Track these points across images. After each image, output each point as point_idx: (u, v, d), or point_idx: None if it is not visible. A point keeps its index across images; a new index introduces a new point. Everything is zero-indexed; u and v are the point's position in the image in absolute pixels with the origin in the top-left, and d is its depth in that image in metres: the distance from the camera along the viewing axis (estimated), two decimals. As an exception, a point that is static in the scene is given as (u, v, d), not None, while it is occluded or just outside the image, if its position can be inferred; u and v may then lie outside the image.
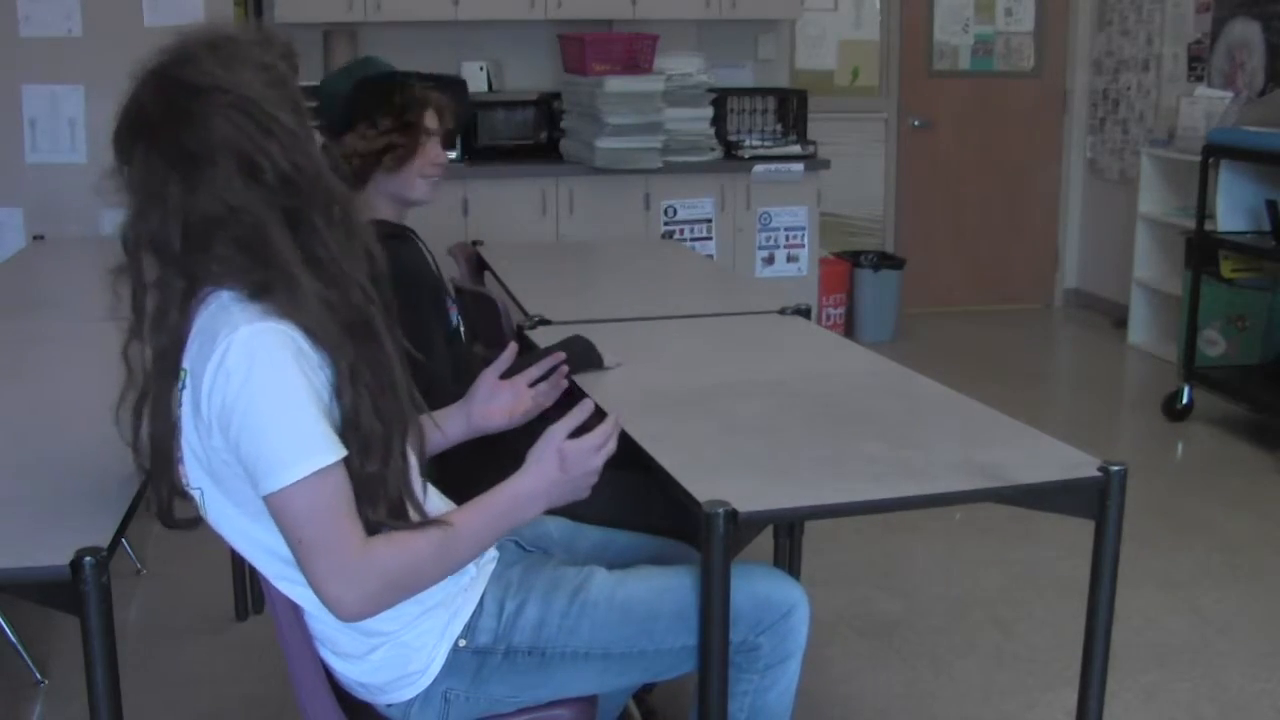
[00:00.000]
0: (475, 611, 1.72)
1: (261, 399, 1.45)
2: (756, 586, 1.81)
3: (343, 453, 1.47)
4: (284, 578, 1.60)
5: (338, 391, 1.50)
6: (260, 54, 1.54)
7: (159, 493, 1.59)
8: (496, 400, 2.00)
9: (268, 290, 1.48)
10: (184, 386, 1.53)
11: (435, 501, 1.74)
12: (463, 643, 1.70)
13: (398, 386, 1.56)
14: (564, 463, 1.64)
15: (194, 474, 1.57)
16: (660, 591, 1.80)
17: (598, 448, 1.67)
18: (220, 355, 1.46)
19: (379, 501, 1.52)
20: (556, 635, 1.74)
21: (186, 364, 1.52)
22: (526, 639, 1.73)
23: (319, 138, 1.60)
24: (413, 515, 1.57)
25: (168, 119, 1.48)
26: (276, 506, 1.46)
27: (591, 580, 1.79)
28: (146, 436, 1.56)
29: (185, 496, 1.60)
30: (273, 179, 1.48)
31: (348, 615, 1.50)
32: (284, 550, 1.53)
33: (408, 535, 1.52)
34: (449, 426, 1.97)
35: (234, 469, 1.51)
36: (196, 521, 1.61)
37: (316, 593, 1.49)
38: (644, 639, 1.77)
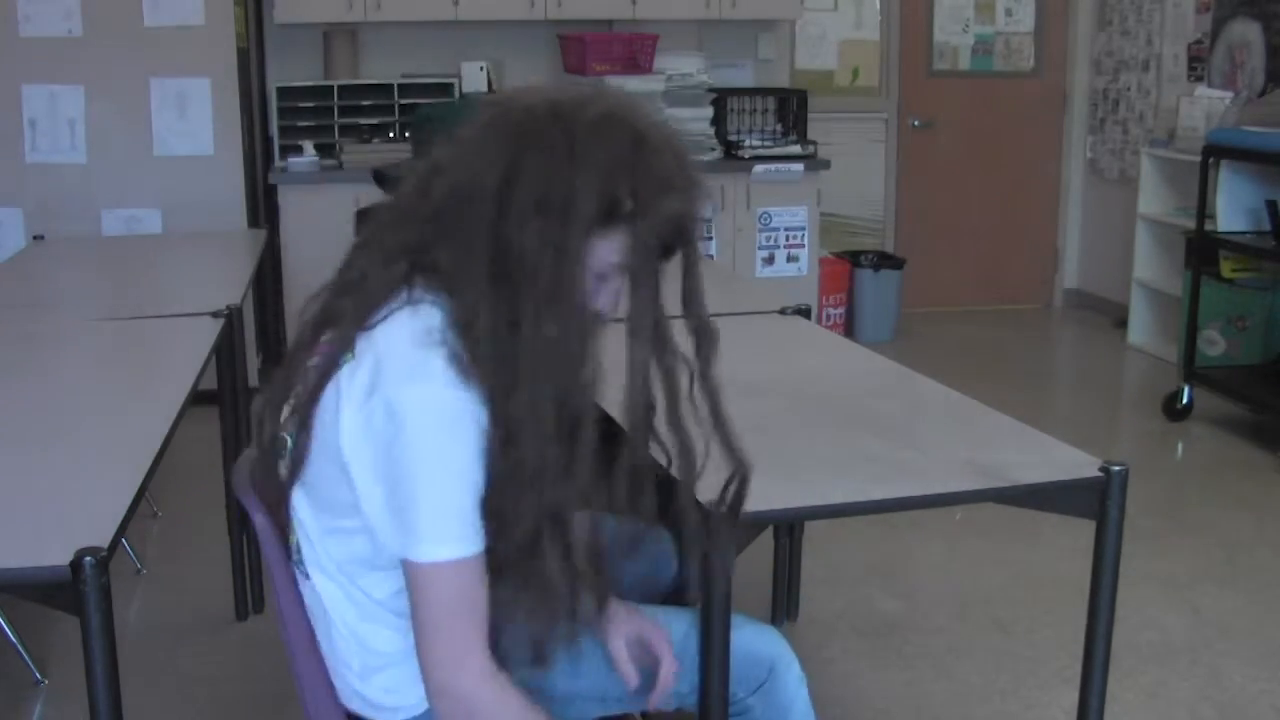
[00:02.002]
0: None
1: (442, 464, 1.41)
2: (737, 636, 1.75)
3: (481, 546, 1.44)
4: (319, 580, 1.60)
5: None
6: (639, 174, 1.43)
7: (268, 412, 1.57)
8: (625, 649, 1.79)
9: (462, 332, 1.43)
10: (343, 364, 1.47)
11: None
12: None
13: (538, 487, 1.47)
14: None
15: (296, 440, 1.54)
16: None
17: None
18: (397, 397, 1.41)
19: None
20: (555, 677, 1.68)
21: (366, 349, 1.46)
22: (523, 678, 1.64)
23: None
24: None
25: (517, 107, 1.45)
26: (415, 574, 1.45)
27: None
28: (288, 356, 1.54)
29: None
30: (508, 234, 1.41)
31: (443, 706, 1.49)
32: (331, 552, 1.56)
33: (531, 703, 1.51)
34: None
35: (336, 487, 1.48)
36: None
37: (421, 659, 1.47)
38: (640, 683, 1.73)
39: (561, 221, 1.40)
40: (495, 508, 1.45)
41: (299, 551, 1.63)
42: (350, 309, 1.49)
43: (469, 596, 1.45)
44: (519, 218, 1.40)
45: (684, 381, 1.53)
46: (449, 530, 1.43)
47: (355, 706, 1.71)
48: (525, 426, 1.43)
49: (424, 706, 1.65)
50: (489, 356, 1.43)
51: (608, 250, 1.45)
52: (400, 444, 1.42)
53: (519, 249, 1.41)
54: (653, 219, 1.43)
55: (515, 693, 1.51)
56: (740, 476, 1.59)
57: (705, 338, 1.55)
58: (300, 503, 1.58)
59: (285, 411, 1.56)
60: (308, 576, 1.63)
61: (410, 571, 1.46)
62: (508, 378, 1.43)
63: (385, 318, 1.47)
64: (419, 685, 1.63)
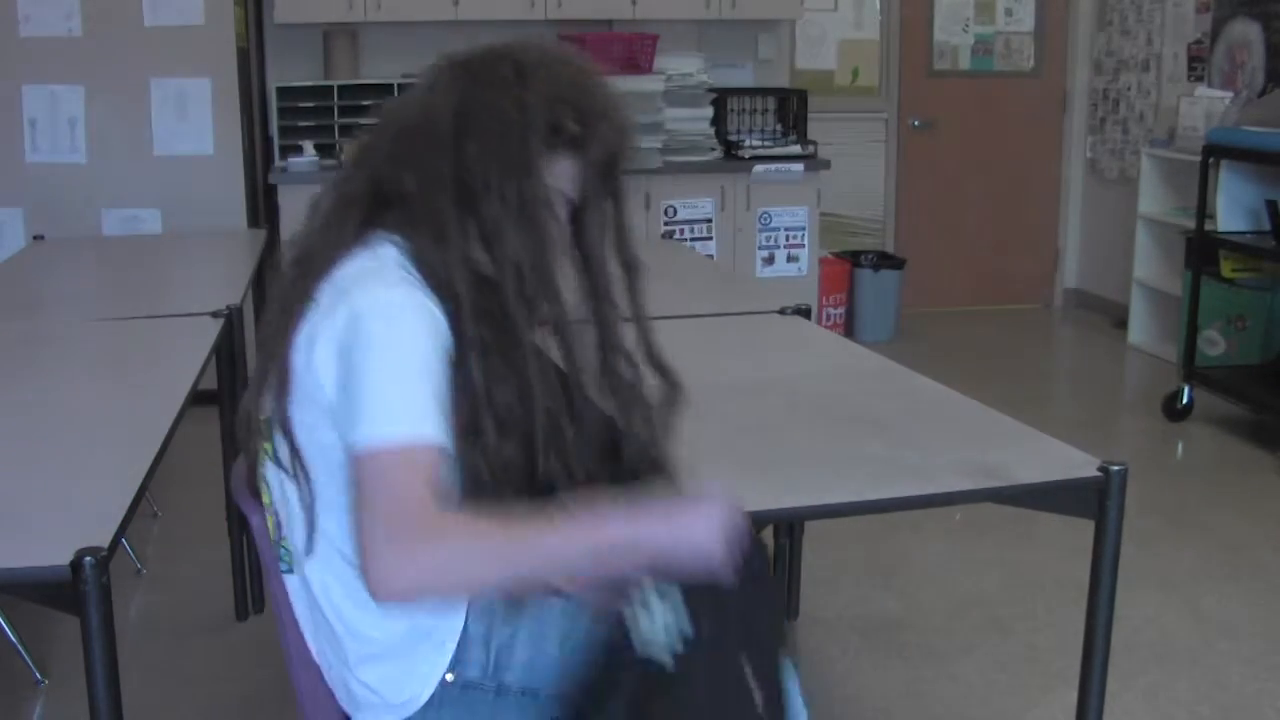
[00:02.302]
0: (461, 641, 1.64)
1: (393, 351, 1.41)
2: None
3: (445, 443, 1.40)
4: (309, 566, 1.59)
5: (458, 382, 1.46)
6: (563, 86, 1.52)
7: (250, 399, 1.58)
8: None
9: (431, 258, 1.48)
10: (308, 313, 1.50)
11: None
12: (450, 677, 1.63)
13: (532, 395, 1.49)
14: (679, 509, 1.43)
15: (282, 410, 1.54)
16: None
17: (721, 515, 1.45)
18: (355, 281, 1.45)
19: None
20: (551, 680, 1.65)
21: (326, 290, 1.49)
22: (518, 679, 1.64)
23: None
24: None
25: (467, 52, 1.55)
26: (361, 463, 1.38)
27: (580, 626, 1.68)
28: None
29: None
30: (470, 154, 1.48)
31: (385, 592, 1.34)
32: (322, 528, 1.54)
33: (476, 520, 1.37)
34: None
35: (324, 403, 1.47)
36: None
37: (366, 569, 1.36)
38: None
39: (521, 141, 1.48)
40: (468, 426, 1.46)
41: (286, 541, 1.62)
42: (310, 270, 1.52)
43: (420, 491, 1.35)
44: (480, 142, 1.48)
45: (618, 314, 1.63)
46: (399, 413, 1.38)
47: (347, 704, 1.70)
48: (505, 340, 1.47)
49: (422, 701, 1.64)
50: (463, 280, 1.47)
51: (556, 177, 1.52)
52: (358, 341, 1.42)
53: (483, 172, 1.48)
54: (598, 143, 1.52)
55: (469, 541, 1.35)
56: (676, 397, 1.68)
57: (634, 271, 1.62)
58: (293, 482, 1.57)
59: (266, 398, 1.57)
60: (290, 570, 1.63)
61: (356, 466, 1.38)
62: (486, 302, 1.48)
63: (342, 263, 1.51)
64: (414, 678, 1.63)
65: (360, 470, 1.38)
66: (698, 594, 1.40)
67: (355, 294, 1.45)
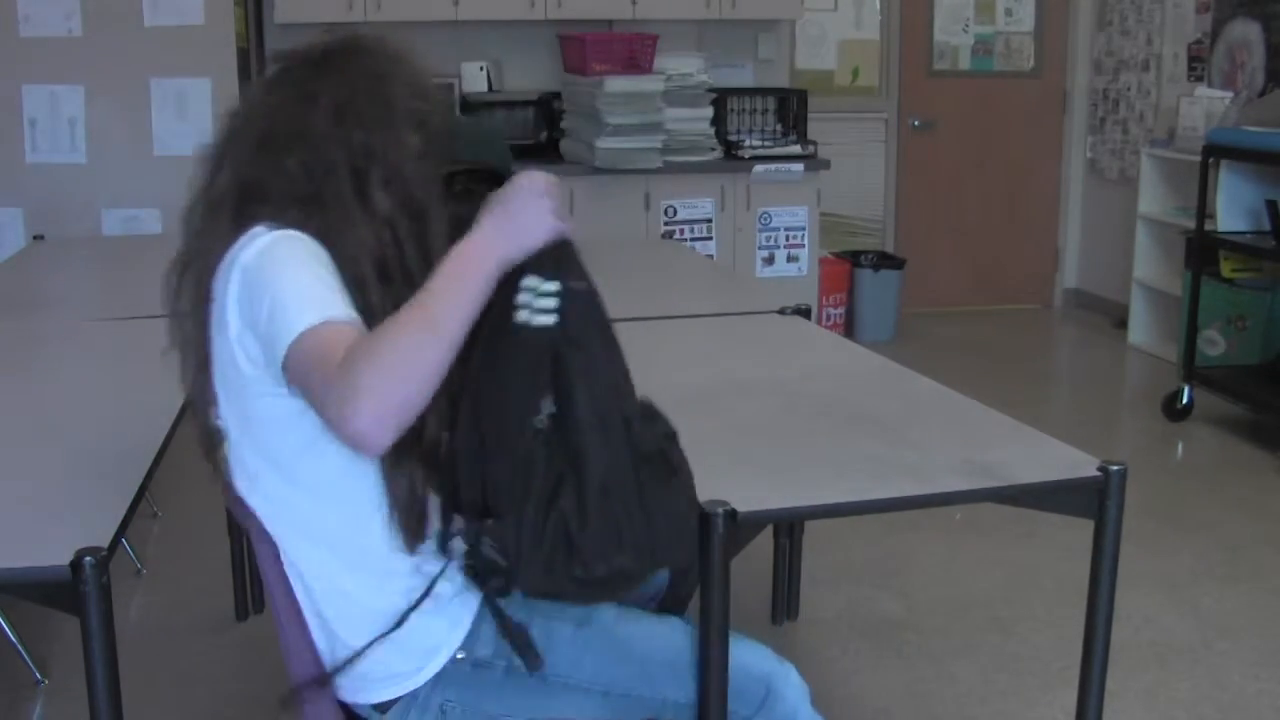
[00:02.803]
0: (476, 620, 1.67)
1: (287, 269, 1.48)
2: (730, 653, 1.75)
3: (358, 319, 1.47)
4: (297, 549, 1.62)
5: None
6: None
7: (193, 388, 1.65)
8: None
9: (309, 219, 1.55)
10: (211, 307, 1.56)
11: None
12: (461, 655, 1.67)
13: None
14: (505, 206, 1.54)
15: (224, 409, 1.60)
16: (651, 636, 1.76)
17: (535, 188, 1.56)
18: (238, 251, 1.52)
19: None
20: (560, 663, 1.69)
21: (214, 285, 1.56)
22: (507, 655, 1.67)
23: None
24: None
25: (310, 52, 1.64)
26: (291, 356, 1.44)
27: (595, 610, 1.74)
28: (184, 313, 1.63)
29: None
30: (357, 142, 1.58)
31: (363, 427, 1.35)
32: (299, 509, 1.58)
33: (379, 327, 1.44)
34: None
35: (255, 373, 1.51)
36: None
37: (338, 429, 1.38)
38: (642, 684, 1.72)
39: (398, 126, 1.60)
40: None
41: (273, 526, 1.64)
42: (197, 271, 1.60)
43: (343, 344, 1.40)
44: (365, 131, 1.58)
45: None
46: (308, 305, 1.45)
47: (348, 687, 1.69)
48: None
49: (430, 675, 1.65)
50: (368, 259, 1.54)
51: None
52: (254, 282, 1.49)
53: (369, 158, 1.57)
54: (438, 118, 1.66)
55: (389, 337, 1.39)
56: None
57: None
58: (260, 467, 1.60)
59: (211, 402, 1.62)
60: (280, 558, 1.64)
61: (289, 363, 1.44)
62: (383, 279, 1.55)
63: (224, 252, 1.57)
64: (423, 651, 1.65)
65: (293, 362, 1.44)
66: (556, 257, 1.57)
67: (239, 256, 1.52)
